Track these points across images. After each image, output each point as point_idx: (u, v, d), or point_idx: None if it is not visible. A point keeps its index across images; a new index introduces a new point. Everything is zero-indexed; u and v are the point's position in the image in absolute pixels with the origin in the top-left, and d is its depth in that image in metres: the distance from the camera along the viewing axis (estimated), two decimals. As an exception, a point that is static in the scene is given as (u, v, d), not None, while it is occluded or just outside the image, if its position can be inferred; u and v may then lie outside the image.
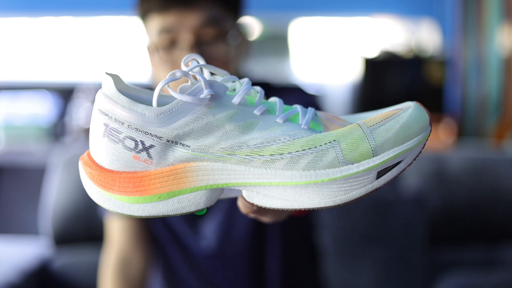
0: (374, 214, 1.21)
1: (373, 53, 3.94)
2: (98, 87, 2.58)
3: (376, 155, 0.35)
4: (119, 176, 0.36)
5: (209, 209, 0.83)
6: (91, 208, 1.23)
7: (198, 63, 0.38)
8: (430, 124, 0.37)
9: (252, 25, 3.77)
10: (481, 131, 3.34)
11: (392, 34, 4.01)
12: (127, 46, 4.21)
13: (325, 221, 1.20)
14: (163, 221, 0.86)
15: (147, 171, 0.36)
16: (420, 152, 0.37)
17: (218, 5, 0.69)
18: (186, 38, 0.68)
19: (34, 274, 1.16)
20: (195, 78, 0.38)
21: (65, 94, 3.94)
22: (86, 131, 2.28)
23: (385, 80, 3.90)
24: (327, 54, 4.80)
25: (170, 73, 0.37)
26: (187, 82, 0.40)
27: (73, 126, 2.43)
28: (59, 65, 4.24)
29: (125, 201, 0.36)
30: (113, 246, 0.85)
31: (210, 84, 0.36)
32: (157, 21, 0.69)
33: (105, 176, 0.37)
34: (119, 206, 0.37)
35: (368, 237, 1.20)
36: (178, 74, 0.36)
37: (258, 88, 0.39)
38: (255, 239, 0.86)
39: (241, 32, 0.78)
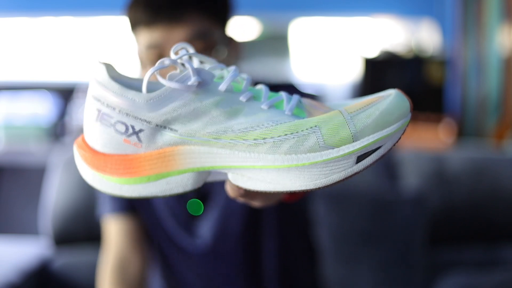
0: (374, 214, 1.21)
1: (373, 53, 3.94)
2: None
3: (356, 141, 0.36)
4: (111, 158, 0.38)
5: (205, 209, 0.83)
6: (91, 208, 1.23)
7: (187, 51, 0.40)
8: (411, 111, 0.38)
9: (244, 25, 3.77)
10: (481, 131, 3.34)
11: (392, 34, 4.01)
12: (126, 46, 4.21)
13: (325, 220, 1.20)
14: (159, 223, 0.86)
15: (137, 154, 0.38)
16: (400, 138, 0.37)
17: (205, 19, 0.67)
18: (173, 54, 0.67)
19: (34, 274, 1.17)
20: (184, 66, 0.39)
21: (65, 94, 3.94)
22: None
23: (385, 80, 3.90)
24: (327, 54, 4.80)
25: (159, 61, 0.38)
26: (176, 70, 0.41)
27: (73, 126, 2.43)
28: (59, 65, 4.25)
29: (116, 182, 0.38)
30: (111, 248, 0.85)
31: (197, 72, 0.38)
32: (144, 36, 0.67)
33: (98, 158, 0.38)
34: (111, 187, 0.39)
35: (367, 237, 1.20)
36: (166, 62, 0.38)
37: (244, 75, 0.40)
38: (250, 236, 0.86)
39: (230, 38, 0.76)
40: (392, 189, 1.30)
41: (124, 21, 0.72)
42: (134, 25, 0.69)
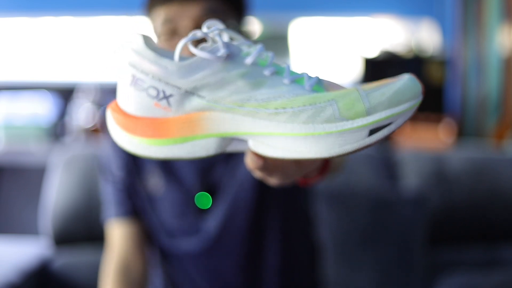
0: (374, 214, 1.21)
1: (373, 53, 3.94)
2: (98, 87, 2.58)
3: (369, 115, 0.39)
4: (142, 121, 0.41)
5: (212, 203, 0.84)
6: (91, 208, 1.23)
7: (218, 27, 0.43)
8: (422, 94, 0.41)
9: (254, 26, 3.76)
10: (481, 131, 3.34)
11: (392, 34, 4.02)
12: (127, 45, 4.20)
13: (325, 220, 1.20)
14: (162, 225, 0.86)
15: (166, 117, 0.41)
16: (409, 117, 0.40)
17: None
18: (186, 26, 0.71)
19: (34, 274, 1.17)
20: (214, 40, 0.43)
21: (65, 94, 3.94)
22: (86, 131, 2.28)
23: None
24: (327, 54, 4.80)
25: (192, 32, 0.42)
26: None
27: (73, 126, 2.43)
28: (59, 65, 4.25)
29: (145, 143, 0.42)
30: (114, 250, 0.86)
31: (226, 45, 0.41)
32: (160, 13, 0.73)
33: (130, 121, 0.42)
34: (140, 148, 0.42)
35: (368, 237, 1.20)
36: (198, 34, 0.42)
37: (270, 52, 0.43)
38: (254, 232, 0.86)
39: (242, 32, 0.79)
40: (392, 189, 1.30)
41: (141, 8, 0.78)
42: (152, 7, 0.75)
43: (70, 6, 4.02)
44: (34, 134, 2.25)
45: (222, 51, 0.40)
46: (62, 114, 2.64)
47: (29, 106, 2.30)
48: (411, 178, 1.32)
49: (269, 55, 0.43)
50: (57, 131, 2.36)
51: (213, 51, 0.40)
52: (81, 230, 1.25)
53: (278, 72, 0.42)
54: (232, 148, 0.44)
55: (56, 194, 1.25)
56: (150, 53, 0.41)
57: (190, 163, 0.84)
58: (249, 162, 0.45)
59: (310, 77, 0.42)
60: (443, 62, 3.75)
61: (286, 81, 0.41)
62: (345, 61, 4.37)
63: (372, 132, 0.39)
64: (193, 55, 0.41)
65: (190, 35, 0.41)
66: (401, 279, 1.18)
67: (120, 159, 0.87)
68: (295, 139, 0.40)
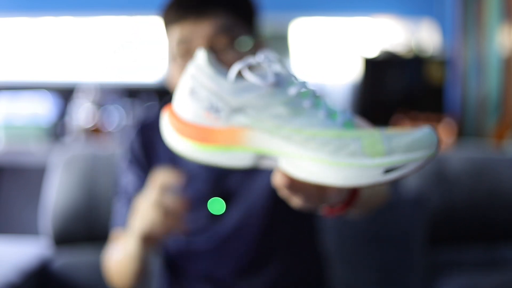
0: (374, 214, 1.21)
1: (373, 53, 3.94)
2: (98, 87, 2.58)
3: (387, 156, 0.44)
4: (193, 126, 0.48)
5: (226, 209, 0.86)
6: (91, 208, 1.23)
7: (269, 58, 0.49)
8: (438, 147, 0.46)
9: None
10: (481, 131, 3.34)
11: (392, 34, 4.02)
12: (127, 45, 4.22)
13: (325, 221, 1.20)
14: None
15: (214, 127, 0.48)
16: (423, 166, 0.45)
17: (230, 14, 0.76)
18: (200, 46, 0.75)
19: (34, 274, 1.17)
20: (265, 67, 0.49)
21: (65, 94, 3.94)
22: (86, 131, 2.28)
23: (385, 80, 3.91)
24: (327, 54, 4.80)
25: (246, 59, 0.48)
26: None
27: (73, 126, 2.43)
28: (59, 65, 4.25)
29: (192, 146, 0.48)
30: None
31: (275, 75, 0.47)
32: (175, 32, 0.77)
33: (182, 125, 0.49)
34: (186, 149, 0.49)
35: (367, 237, 1.21)
36: (252, 61, 0.48)
37: (312, 86, 0.49)
38: (262, 240, 0.87)
39: (255, 38, 0.81)
40: (392, 189, 1.30)
41: (159, 24, 0.83)
42: (167, 25, 0.79)
43: (70, 6, 4.02)
44: (34, 134, 2.25)
45: (270, 79, 0.46)
46: (62, 114, 2.65)
47: (29, 106, 2.30)
48: (411, 178, 1.32)
49: (310, 88, 0.49)
50: (57, 131, 2.36)
51: (263, 78, 0.47)
52: (81, 230, 1.25)
53: (316, 105, 0.48)
54: (264, 164, 0.49)
55: (56, 194, 1.25)
56: (210, 70, 0.48)
57: (207, 169, 0.86)
58: (277, 179, 0.49)
59: (343, 114, 0.47)
60: (443, 62, 3.75)
61: (321, 114, 0.46)
62: (345, 61, 4.36)
63: (387, 171, 0.44)
64: (241, 75, 0.48)
65: (245, 61, 0.48)
66: (401, 279, 1.19)
67: (138, 160, 0.88)
68: (320, 165, 0.45)
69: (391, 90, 3.91)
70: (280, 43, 4.38)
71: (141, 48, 4.24)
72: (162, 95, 3.98)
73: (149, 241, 0.72)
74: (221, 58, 0.75)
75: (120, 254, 0.80)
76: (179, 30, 0.76)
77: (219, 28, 0.75)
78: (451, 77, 3.88)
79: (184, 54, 0.76)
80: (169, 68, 0.83)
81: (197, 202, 0.85)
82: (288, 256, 0.90)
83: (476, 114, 3.49)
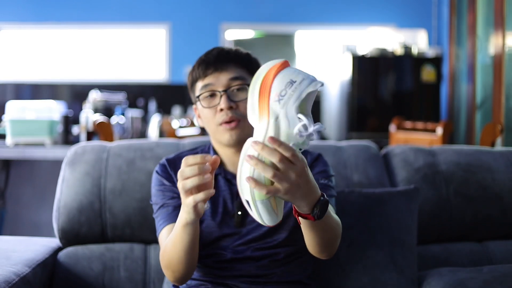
0: (366, 210, 1.20)
1: (367, 52, 4.00)
2: (103, 89, 2.61)
3: None
4: None
5: (247, 223, 1.06)
6: (95, 205, 1.25)
7: (314, 129, 0.74)
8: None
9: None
10: (471, 133, 3.40)
11: (387, 38, 4.06)
12: (133, 54, 4.36)
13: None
14: (202, 230, 1.06)
15: None
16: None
17: (240, 68, 1.08)
18: (220, 89, 1.06)
19: (42, 268, 1.17)
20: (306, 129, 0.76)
21: (73, 95, 4.01)
22: (93, 129, 2.31)
23: (378, 80, 3.96)
24: (322, 53, 4.87)
25: (299, 126, 0.73)
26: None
27: (80, 124, 2.47)
28: (68, 67, 4.42)
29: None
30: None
31: (309, 135, 0.75)
32: (200, 83, 1.08)
33: None
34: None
35: (359, 234, 1.18)
36: (310, 129, 0.74)
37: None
38: (268, 240, 1.05)
39: None
40: (384, 184, 1.31)
41: (187, 85, 1.13)
42: (194, 82, 1.09)
43: (81, 18, 4.16)
44: (41, 131, 2.25)
45: (308, 134, 0.74)
46: (69, 113, 2.68)
47: (38, 105, 2.31)
48: (404, 174, 1.33)
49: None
50: (65, 128, 2.37)
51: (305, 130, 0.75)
52: (87, 228, 1.26)
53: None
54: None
55: (63, 190, 1.26)
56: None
57: (230, 188, 1.07)
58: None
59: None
60: (436, 65, 3.80)
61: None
62: (338, 60, 4.43)
63: None
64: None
65: (315, 127, 0.74)
66: (391, 276, 1.16)
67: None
68: None
69: (384, 91, 3.96)
70: (287, 48, 4.77)
71: (144, 53, 4.37)
72: (162, 95, 4.05)
73: (195, 208, 0.83)
74: (236, 96, 1.06)
75: (170, 244, 0.95)
76: (203, 81, 1.07)
77: (233, 77, 1.06)
78: (444, 81, 3.94)
79: (208, 96, 1.06)
80: (199, 116, 1.12)
81: (223, 217, 1.05)
82: (288, 259, 1.06)
83: (466, 117, 3.54)
